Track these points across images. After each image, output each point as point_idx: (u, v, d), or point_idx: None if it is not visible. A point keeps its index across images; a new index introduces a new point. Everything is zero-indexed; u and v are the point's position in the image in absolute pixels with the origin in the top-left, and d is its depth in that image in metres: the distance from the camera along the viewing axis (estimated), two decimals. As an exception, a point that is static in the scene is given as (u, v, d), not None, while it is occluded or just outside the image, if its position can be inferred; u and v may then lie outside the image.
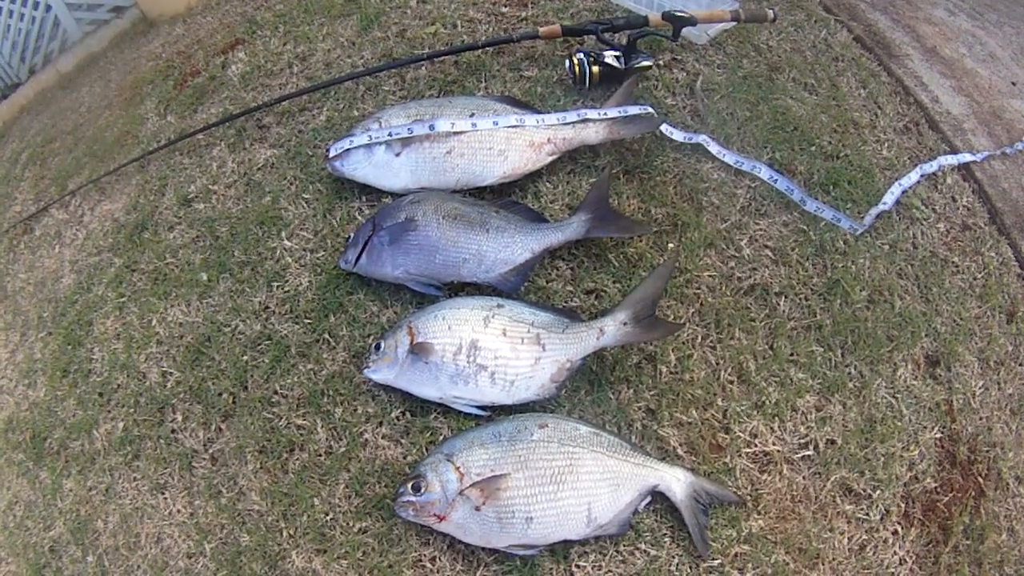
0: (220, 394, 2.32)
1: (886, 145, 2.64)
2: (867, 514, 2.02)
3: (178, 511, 2.25)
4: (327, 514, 2.07)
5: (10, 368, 2.99)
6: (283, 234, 2.55)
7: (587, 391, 2.12)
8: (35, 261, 3.27)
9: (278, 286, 2.45)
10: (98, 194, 3.23)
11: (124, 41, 4.66)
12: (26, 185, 3.86)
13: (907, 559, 2.00)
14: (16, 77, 5.29)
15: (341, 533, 2.04)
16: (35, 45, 5.19)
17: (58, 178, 3.60)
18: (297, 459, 2.17)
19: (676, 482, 1.94)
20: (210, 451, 2.28)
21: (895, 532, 2.02)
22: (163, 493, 2.29)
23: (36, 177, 3.85)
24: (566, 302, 2.25)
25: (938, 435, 2.13)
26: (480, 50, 2.83)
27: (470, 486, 1.86)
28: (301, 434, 2.19)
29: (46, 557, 2.45)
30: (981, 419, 2.19)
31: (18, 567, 2.53)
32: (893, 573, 1.98)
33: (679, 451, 2.05)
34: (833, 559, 1.97)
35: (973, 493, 2.08)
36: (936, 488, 2.07)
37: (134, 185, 3.09)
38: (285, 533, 2.09)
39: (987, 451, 2.15)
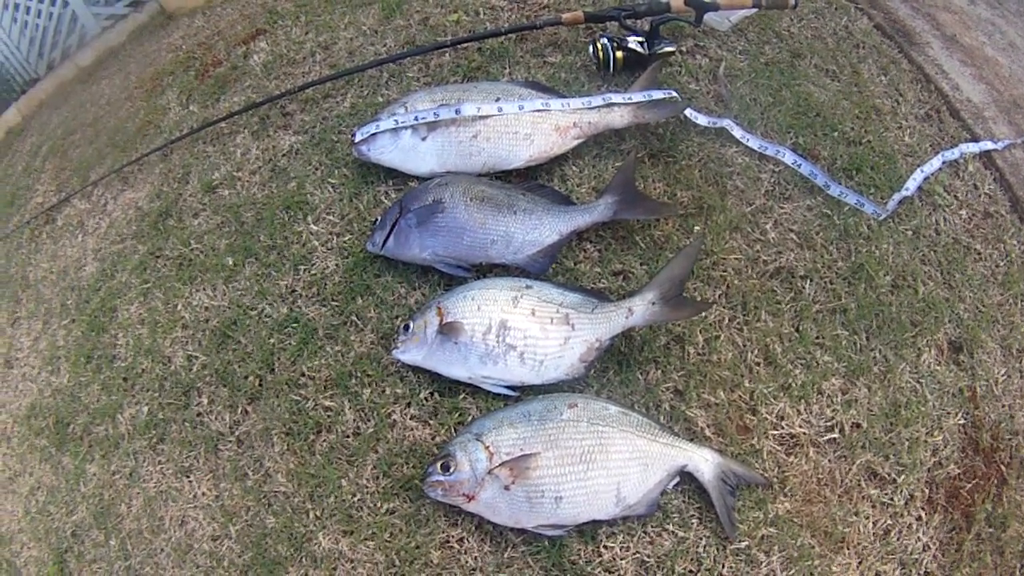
0: (246, 377, 2.33)
1: (908, 132, 2.63)
2: (892, 499, 2.01)
3: (203, 494, 2.25)
4: (354, 495, 2.07)
5: (33, 356, 3.00)
6: (309, 218, 2.55)
7: (615, 372, 2.12)
8: (57, 251, 3.28)
9: (305, 269, 2.46)
10: (121, 183, 3.24)
11: (143, 34, 4.68)
12: (47, 176, 3.88)
13: (931, 545, 1.98)
14: (35, 72, 5.30)
15: (368, 514, 2.04)
16: (53, 40, 5.21)
17: (79, 169, 3.62)
18: (324, 441, 2.17)
19: (704, 463, 1.93)
20: (236, 433, 2.29)
21: (919, 518, 2.00)
22: (188, 476, 2.30)
23: (57, 168, 3.86)
24: (594, 283, 2.25)
25: (961, 421, 2.12)
26: (503, 36, 2.84)
27: (499, 465, 1.85)
28: (328, 416, 2.19)
29: (68, 542, 2.46)
30: (1003, 407, 2.18)
31: (40, 552, 2.54)
32: (917, 559, 1.97)
33: (707, 432, 2.05)
34: (858, 543, 1.96)
35: (995, 481, 2.07)
36: (959, 474, 2.06)
37: (157, 174, 3.10)
38: (312, 515, 2.09)
39: (1009, 439, 2.13)
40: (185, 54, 3.75)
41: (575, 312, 2.04)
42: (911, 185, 2.42)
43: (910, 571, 1.95)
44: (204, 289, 2.56)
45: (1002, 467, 2.09)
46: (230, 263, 2.57)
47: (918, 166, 2.48)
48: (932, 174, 2.48)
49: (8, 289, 3.38)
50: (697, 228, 2.34)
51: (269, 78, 3.14)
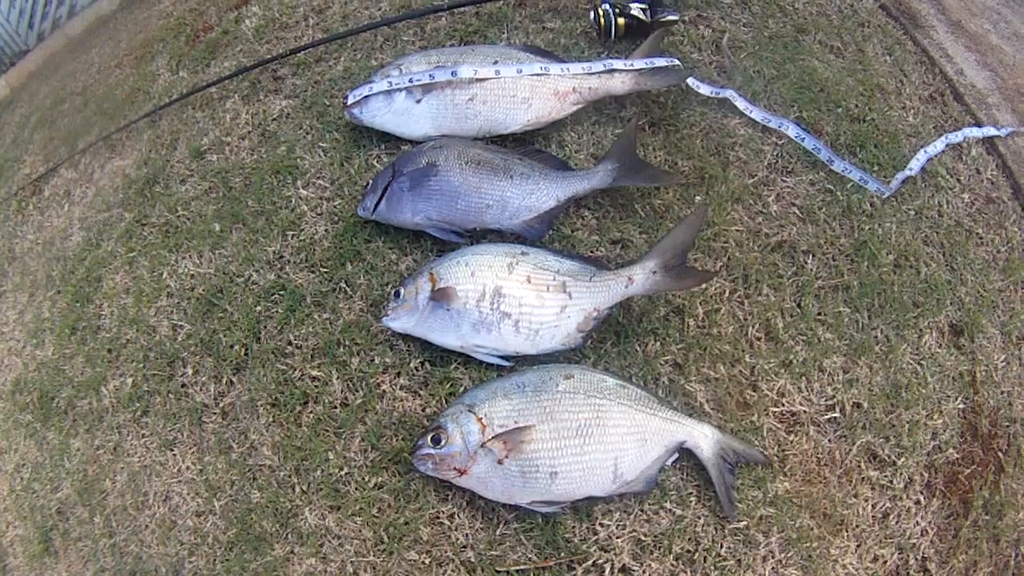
0: (232, 346, 2.26)
1: (911, 112, 2.60)
2: (891, 481, 1.98)
3: (187, 468, 2.20)
4: (342, 469, 2.02)
5: (18, 329, 2.94)
6: (299, 183, 2.49)
7: (613, 343, 2.07)
8: (44, 221, 3.22)
9: (293, 235, 2.39)
10: (108, 151, 3.17)
11: (134, 2, 4.58)
12: (35, 147, 3.81)
13: (928, 530, 1.96)
14: (24, 44, 5.21)
15: (356, 489, 1.99)
16: (43, 11, 5.12)
17: (68, 138, 3.55)
18: (311, 412, 2.11)
19: (704, 438, 1.88)
20: (221, 405, 2.23)
21: (918, 502, 1.97)
22: (172, 450, 2.24)
23: (45, 139, 3.79)
24: (591, 251, 2.20)
25: (961, 406, 2.09)
26: (502, 1, 2.77)
27: (493, 438, 1.80)
28: (316, 386, 2.13)
29: (53, 519, 2.41)
30: (1002, 393, 2.15)
31: (25, 530, 2.49)
32: (915, 544, 1.94)
33: (706, 407, 2.00)
34: (857, 526, 1.93)
35: (993, 468, 2.04)
36: (958, 459, 2.03)
37: (145, 140, 3.03)
38: (298, 489, 2.03)
39: (1007, 426, 2.10)
40: (176, 20, 3.68)
41: (572, 280, 1.98)
42: (915, 165, 2.39)
43: (907, 556, 1.93)
44: (190, 256, 2.49)
45: (999, 454, 2.06)
46: (217, 229, 2.50)
47: (921, 147, 2.45)
48: (935, 155, 2.46)
49: (-6, 261, 3.32)
50: (699, 198, 2.29)
51: (261, 43, 3.07)
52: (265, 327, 2.25)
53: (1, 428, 2.74)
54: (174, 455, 2.23)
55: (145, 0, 4.37)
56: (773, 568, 1.85)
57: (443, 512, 1.93)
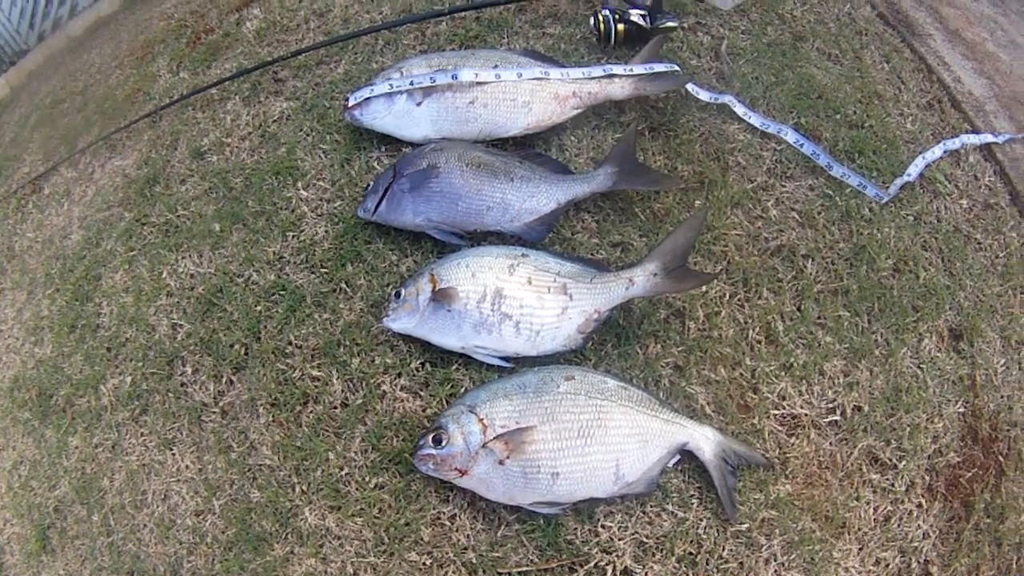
0: (232, 345, 2.26)
1: (910, 119, 2.62)
2: (892, 485, 1.98)
3: (186, 467, 2.19)
4: (342, 469, 2.01)
5: (17, 327, 2.93)
6: (299, 184, 2.49)
7: (614, 344, 2.07)
8: (43, 220, 3.21)
9: (293, 236, 2.39)
10: (108, 151, 3.17)
11: (135, 3, 4.57)
12: (35, 146, 3.79)
13: (930, 533, 1.96)
14: (25, 44, 5.20)
15: (356, 489, 1.99)
16: (44, 11, 5.12)
17: (67, 137, 3.54)
18: (311, 412, 2.11)
19: (705, 440, 1.89)
20: (220, 404, 2.22)
21: (919, 505, 1.98)
22: (171, 449, 2.23)
23: (45, 138, 3.78)
24: (592, 254, 2.20)
25: (961, 409, 2.10)
26: (502, 6, 2.78)
27: (494, 439, 1.80)
28: (316, 386, 2.13)
29: (51, 517, 2.40)
30: (1003, 397, 2.16)
31: (23, 528, 2.48)
32: (917, 547, 1.94)
33: (707, 410, 2.01)
34: (859, 529, 1.93)
35: (994, 472, 2.05)
36: (959, 463, 2.04)
37: (145, 141, 3.03)
38: (297, 489, 2.03)
39: (1008, 430, 2.12)
40: (177, 22, 3.67)
41: (573, 282, 1.99)
42: (913, 171, 2.41)
43: (910, 559, 1.93)
44: (190, 256, 2.49)
45: (1000, 458, 2.07)
46: (217, 229, 2.49)
47: (919, 153, 2.47)
48: (933, 161, 2.47)
49: (-7, 261, 3.31)
50: (698, 202, 2.31)
51: (262, 45, 3.07)
52: (265, 327, 2.25)
53: (-1, 426, 2.73)
54: (173, 454, 2.22)
55: (146, 1, 4.38)
56: (775, 571, 1.85)
57: (444, 513, 1.93)
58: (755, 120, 2.46)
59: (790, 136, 2.42)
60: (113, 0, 4.79)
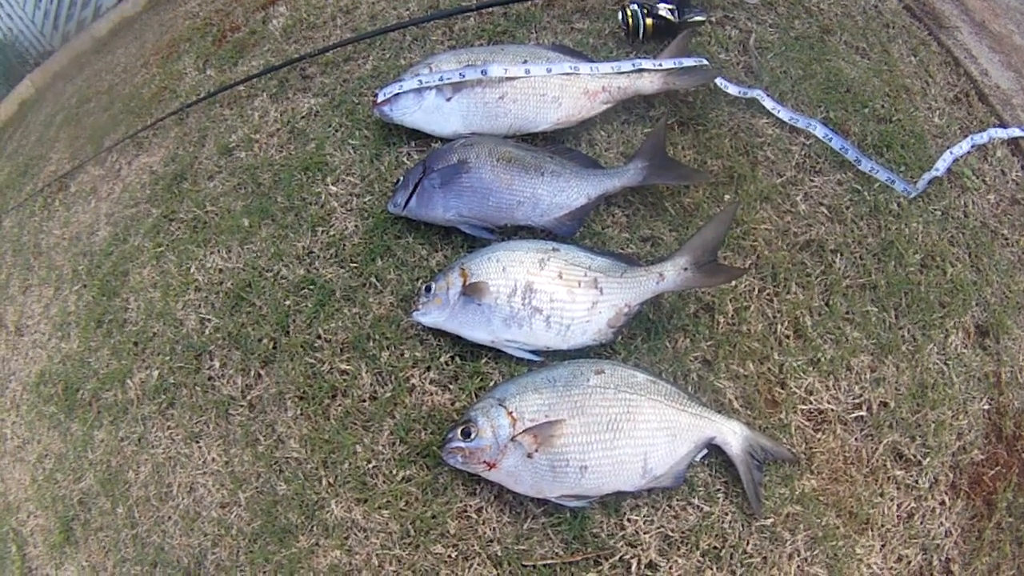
0: (260, 340, 2.27)
1: (937, 113, 2.59)
2: (916, 481, 1.97)
3: (212, 460, 2.21)
4: (369, 462, 2.02)
5: (43, 322, 2.96)
6: (328, 180, 2.50)
7: (643, 339, 2.07)
8: (70, 217, 3.24)
9: (323, 231, 2.40)
10: (135, 148, 3.19)
11: (159, 3, 4.61)
12: (61, 145, 3.84)
13: (953, 531, 1.95)
14: (49, 45, 5.26)
15: (383, 482, 1.99)
16: (68, 12, 5.17)
17: (94, 136, 3.58)
18: (339, 405, 2.12)
19: (733, 435, 1.88)
20: (248, 398, 2.23)
21: (943, 502, 1.97)
22: (197, 442, 2.25)
23: (71, 137, 3.82)
24: (622, 249, 2.20)
25: (986, 407, 2.08)
26: (530, 1, 2.78)
27: (523, 432, 1.79)
28: (344, 379, 2.14)
29: (75, 509, 2.43)
30: (1028, 396, 2.14)
31: (47, 520, 2.51)
32: (939, 545, 1.93)
33: (735, 404, 2.00)
34: (882, 525, 1.92)
35: (1017, 470, 2.03)
36: (983, 461, 2.02)
37: (172, 138, 3.05)
38: (324, 481, 2.04)
39: (1032, 429, 2.09)
40: (202, 21, 3.70)
41: (604, 276, 1.98)
42: (941, 166, 2.38)
43: (931, 557, 1.92)
44: (218, 251, 2.51)
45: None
46: (246, 224, 2.51)
47: (947, 147, 2.45)
48: (961, 156, 2.45)
49: (21, 257, 3.35)
50: (728, 197, 2.29)
51: (288, 42, 3.08)
52: (294, 321, 2.26)
53: (25, 419, 2.76)
54: (199, 447, 2.24)
55: (171, 1, 4.41)
56: (799, 566, 1.85)
57: (471, 506, 1.93)
58: (784, 114, 2.44)
59: (819, 130, 2.40)
60: (137, 0, 4.82)
